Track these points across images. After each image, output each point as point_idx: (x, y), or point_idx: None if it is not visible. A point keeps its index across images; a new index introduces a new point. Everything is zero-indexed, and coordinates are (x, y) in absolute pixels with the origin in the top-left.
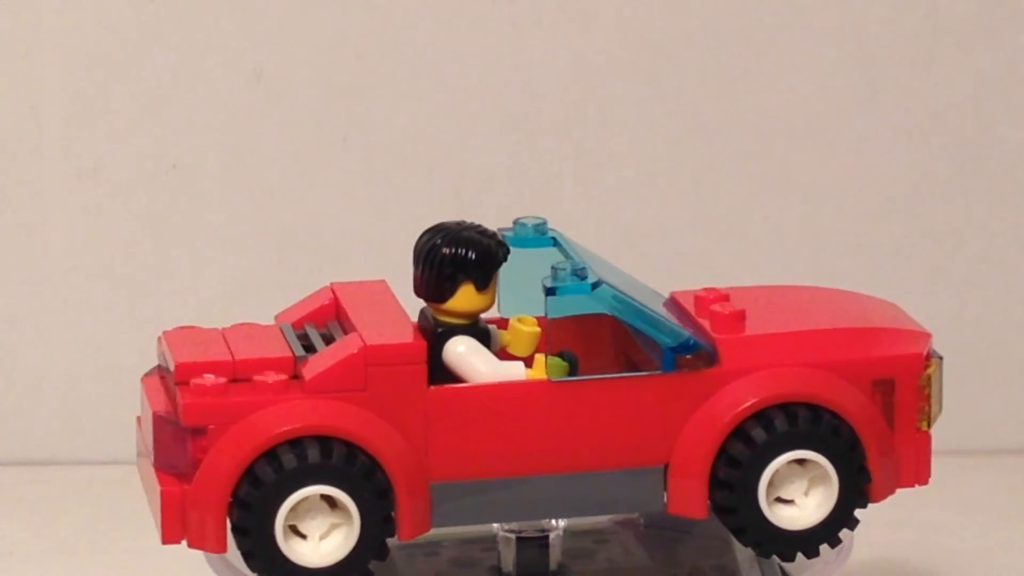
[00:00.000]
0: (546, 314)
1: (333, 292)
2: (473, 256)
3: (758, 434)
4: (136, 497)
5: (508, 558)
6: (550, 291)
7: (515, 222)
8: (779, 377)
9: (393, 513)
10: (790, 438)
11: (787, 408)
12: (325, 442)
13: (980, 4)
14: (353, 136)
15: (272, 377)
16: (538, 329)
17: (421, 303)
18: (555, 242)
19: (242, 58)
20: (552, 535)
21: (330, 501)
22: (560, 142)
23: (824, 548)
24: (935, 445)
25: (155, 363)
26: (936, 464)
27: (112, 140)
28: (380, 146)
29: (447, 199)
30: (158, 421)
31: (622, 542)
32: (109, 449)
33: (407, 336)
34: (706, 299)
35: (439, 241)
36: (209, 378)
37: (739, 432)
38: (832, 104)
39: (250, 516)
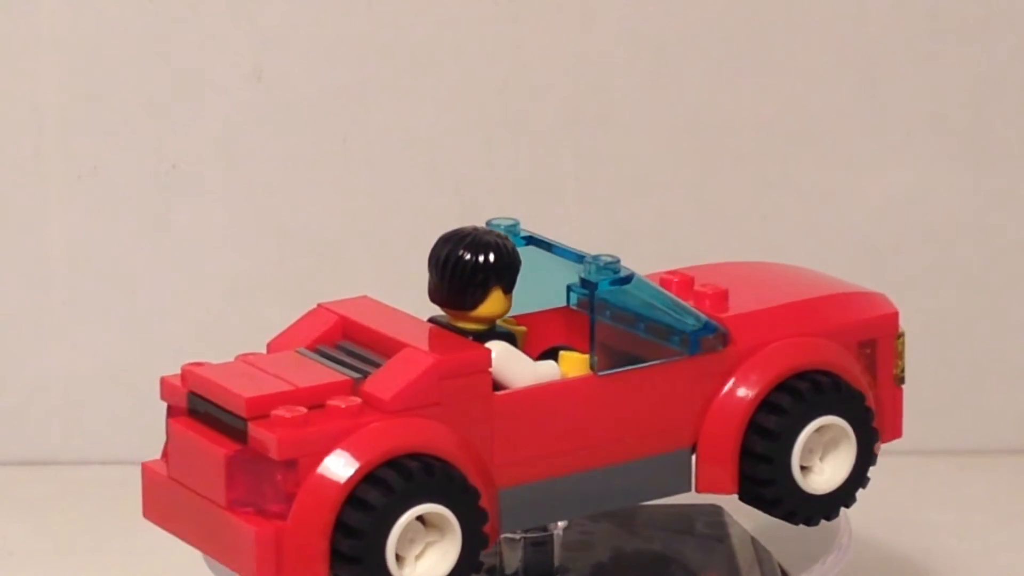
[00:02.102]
0: (590, 307)
1: (334, 312)
2: (502, 261)
3: (790, 404)
4: (136, 497)
5: (512, 560)
6: (592, 285)
7: (487, 223)
8: (792, 348)
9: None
10: (817, 405)
11: (806, 377)
12: (422, 460)
13: (980, 4)
14: (353, 136)
15: (345, 402)
16: (524, 328)
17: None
18: (529, 241)
19: (242, 58)
20: (555, 533)
21: (421, 520)
22: (560, 142)
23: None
24: (935, 445)
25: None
26: (936, 464)
27: (112, 140)
28: (380, 146)
29: (447, 199)
30: (233, 460)
31: (616, 537)
32: (109, 449)
33: (467, 346)
34: (671, 281)
35: (464, 249)
36: (290, 409)
37: (767, 405)
38: (832, 104)
39: (362, 544)
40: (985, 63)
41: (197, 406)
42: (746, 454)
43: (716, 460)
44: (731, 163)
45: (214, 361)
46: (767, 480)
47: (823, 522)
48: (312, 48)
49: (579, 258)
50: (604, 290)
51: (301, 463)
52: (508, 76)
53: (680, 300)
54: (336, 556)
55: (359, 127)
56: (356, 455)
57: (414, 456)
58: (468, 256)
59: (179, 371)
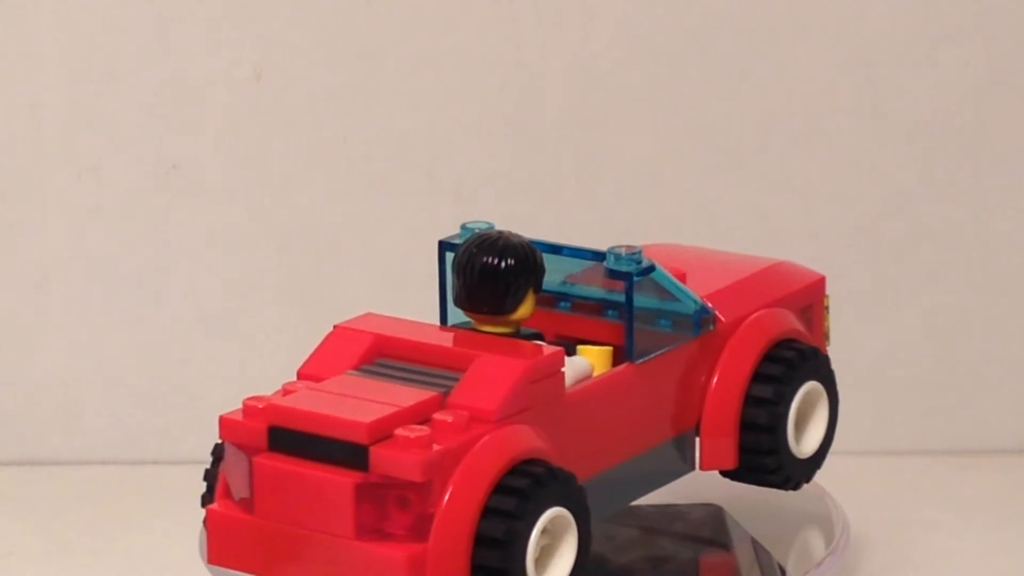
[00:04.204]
0: (626, 298)
1: (361, 331)
2: (535, 262)
3: (782, 373)
4: (136, 497)
5: None
6: (627, 275)
7: (462, 227)
8: (766, 321)
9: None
10: (802, 372)
11: (784, 346)
12: (540, 465)
13: (980, 4)
14: (353, 137)
15: (451, 416)
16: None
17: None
18: None
19: (242, 58)
20: None
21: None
22: (560, 142)
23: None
24: (935, 445)
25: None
26: (936, 464)
27: (112, 140)
28: (380, 147)
29: (447, 200)
30: (364, 489)
31: (616, 537)
32: (109, 449)
33: (536, 348)
34: None
35: (499, 254)
36: (411, 429)
37: (760, 377)
38: (832, 104)
39: (506, 553)
40: (985, 63)
41: (283, 441)
42: (746, 426)
43: (720, 436)
44: (731, 163)
45: (213, 363)
46: (770, 449)
47: (822, 522)
48: (312, 48)
49: (556, 250)
50: (637, 280)
51: (434, 482)
52: (508, 77)
53: (681, 284)
54: (479, 571)
55: (359, 127)
56: (485, 467)
57: (530, 462)
58: (510, 260)
59: (240, 407)
